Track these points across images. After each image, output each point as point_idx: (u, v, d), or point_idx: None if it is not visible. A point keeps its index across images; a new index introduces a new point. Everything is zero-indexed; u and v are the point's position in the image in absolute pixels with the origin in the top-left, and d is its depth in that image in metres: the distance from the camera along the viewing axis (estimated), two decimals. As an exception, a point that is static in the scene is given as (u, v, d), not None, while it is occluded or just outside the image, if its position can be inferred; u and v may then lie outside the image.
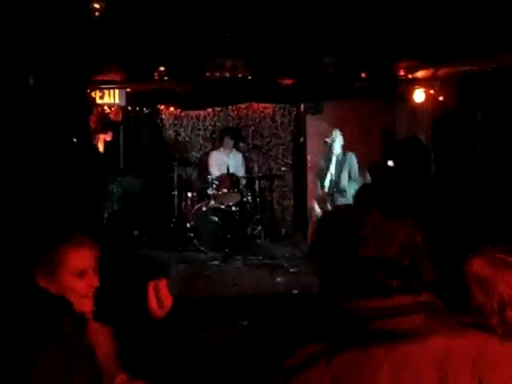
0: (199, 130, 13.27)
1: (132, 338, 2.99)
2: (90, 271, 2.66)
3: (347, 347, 1.66)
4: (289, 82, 9.82)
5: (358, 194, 7.04)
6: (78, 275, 2.62)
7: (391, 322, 1.69)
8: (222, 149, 12.26)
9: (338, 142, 9.53)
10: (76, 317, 2.54)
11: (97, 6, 6.66)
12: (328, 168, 9.66)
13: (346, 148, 9.76)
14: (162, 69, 9.42)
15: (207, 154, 12.66)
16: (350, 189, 9.48)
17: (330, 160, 9.62)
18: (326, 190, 9.68)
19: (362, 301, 1.73)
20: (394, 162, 9.80)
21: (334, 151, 9.53)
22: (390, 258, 1.73)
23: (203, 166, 12.56)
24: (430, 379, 1.61)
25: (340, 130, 9.79)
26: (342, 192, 9.45)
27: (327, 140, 9.62)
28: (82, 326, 2.54)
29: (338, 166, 9.53)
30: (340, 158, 9.53)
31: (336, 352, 1.65)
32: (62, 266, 2.58)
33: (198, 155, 13.18)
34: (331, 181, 9.66)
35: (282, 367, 1.71)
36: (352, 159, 9.69)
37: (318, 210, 9.74)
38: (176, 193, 12.06)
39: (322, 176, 9.80)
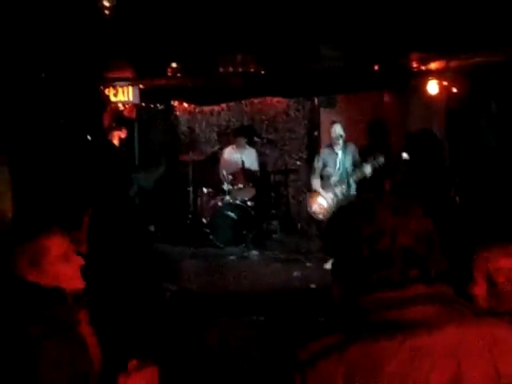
0: (213, 125, 13.27)
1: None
2: (71, 253, 2.82)
3: (360, 338, 1.66)
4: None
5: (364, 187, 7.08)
6: (64, 259, 2.76)
7: (404, 312, 1.69)
8: (235, 145, 12.25)
9: (338, 134, 9.52)
10: (71, 303, 2.69)
11: (107, 4, 6.68)
12: (330, 161, 9.65)
13: (353, 138, 9.76)
14: (174, 65, 9.43)
15: (221, 150, 12.64)
16: (351, 180, 9.49)
17: (335, 155, 9.61)
18: (333, 181, 9.66)
19: (375, 292, 1.73)
20: (409, 155, 9.82)
21: (337, 142, 9.52)
22: (407, 247, 1.74)
23: (218, 162, 12.56)
24: (445, 369, 1.61)
25: (353, 123, 9.78)
26: (346, 182, 9.45)
27: (333, 133, 9.60)
28: (77, 309, 2.70)
29: (342, 159, 9.52)
30: (343, 150, 9.52)
31: (349, 343, 1.66)
32: (46, 254, 2.70)
33: (213, 150, 13.17)
34: (332, 173, 9.65)
35: (297, 360, 1.72)
36: (353, 150, 9.68)
37: (322, 202, 9.72)
38: (191, 189, 12.07)
39: (323, 168, 9.79)
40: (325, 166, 9.77)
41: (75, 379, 2.51)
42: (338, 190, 9.56)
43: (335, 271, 1.86)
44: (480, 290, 2.75)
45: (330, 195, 9.66)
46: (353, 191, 9.49)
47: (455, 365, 1.61)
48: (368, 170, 9.35)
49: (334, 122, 9.75)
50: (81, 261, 2.83)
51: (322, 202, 9.71)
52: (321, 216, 9.82)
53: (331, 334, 1.73)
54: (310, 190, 10.14)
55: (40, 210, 6.88)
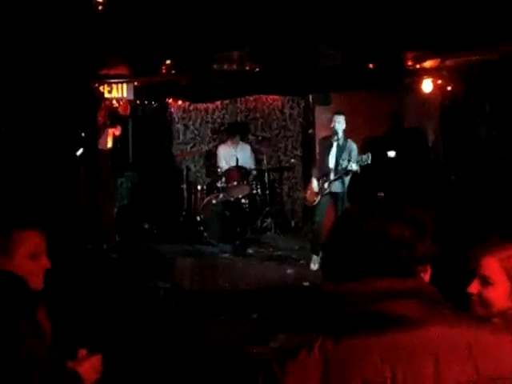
0: (208, 123, 13.27)
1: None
2: (41, 254, 2.88)
3: (341, 331, 1.66)
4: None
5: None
6: (33, 257, 2.82)
7: (387, 306, 1.68)
8: (229, 141, 12.25)
9: (340, 127, 9.50)
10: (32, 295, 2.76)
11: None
12: (329, 153, 9.63)
13: (349, 136, 9.73)
14: (169, 62, 9.42)
15: (215, 147, 12.65)
16: (347, 176, 9.49)
17: (331, 145, 9.59)
18: (321, 172, 9.66)
19: (359, 283, 1.73)
20: (396, 153, 9.83)
21: (337, 136, 9.50)
22: (398, 240, 1.73)
23: (212, 159, 12.56)
24: (425, 367, 1.61)
25: (347, 121, 9.75)
26: (340, 177, 9.45)
27: (333, 123, 9.60)
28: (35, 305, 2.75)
29: (338, 151, 9.50)
30: (341, 144, 9.50)
31: (330, 336, 1.66)
32: (16, 248, 2.78)
33: (207, 148, 13.18)
34: (328, 164, 9.64)
35: (278, 352, 1.73)
36: (353, 146, 9.67)
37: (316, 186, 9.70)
38: (185, 186, 12.09)
39: (321, 159, 9.78)
40: (322, 155, 9.77)
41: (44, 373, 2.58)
42: (327, 183, 9.56)
43: (326, 267, 1.86)
44: (498, 291, 2.71)
45: (318, 182, 9.66)
46: (343, 186, 9.47)
47: (433, 364, 1.61)
48: (354, 167, 9.31)
49: (337, 113, 9.71)
50: (48, 264, 2.88)
51: (313, 189, 9.70)
52: (308, 203, 9.93)
53: (315, 327, 1.74)
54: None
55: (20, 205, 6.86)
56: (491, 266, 2.69)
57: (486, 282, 2.69)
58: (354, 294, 1.73)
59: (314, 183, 9.62)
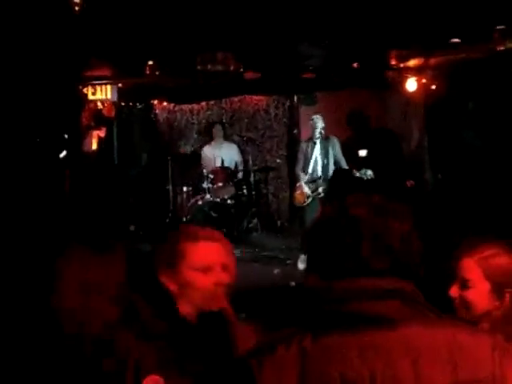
0: (193, 123, 13.25)
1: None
2: (216, 267, 2.62)
3: (320, 329, 1.67)
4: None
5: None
6: (201, 271, 2.56)
7: (369, 305, 1.68)
8: (213, 142, 12.24)
9: (319, 126, 9.54)
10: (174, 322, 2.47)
11: (76, 0, 6.62)
12: (312, 153, 9.67)
13: (328, 133, 9.79)
14: (153, 63, 9.40)
15: (201, 148, 12.64)
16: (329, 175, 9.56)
17: (314, 145, 9.64)
18: (309, 175, 9.69)
19: (343, 281, 1.73)
20: (368, 152, 9.88)
21: (316, 135, 9.56)
22: (381, 240, 1.73)
23: (197, 160, 12.54)
24: (404, 367, 1.61)
25: (333, 121, 9.80)
26: (326, 177, 9.50)
27: (312, 125, 9.65)
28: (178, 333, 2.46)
29: (322, 151, 9.55)
30: (323, 143, 9.54)
31: (309, 333, 1.66)
32: (183, 260, 2.52)
33: (192, 149, 13.17)
34: (315, 166, 9.67)
35: (256, 349, 1.72)
36: (335, 143, 9.71)
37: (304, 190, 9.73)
38: (171, 187, 12.06)
39: (306, 161, 9.82)
40: (305, 155, 9.80)
41: None
42: (311, 183, 9.59)
43: (313, 261, 1.86)
44: (477, 293, 2.69)
45: (308, 185, 9.69)
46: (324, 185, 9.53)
47: (412, 365, 1.61)
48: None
49: (314, 114, 9.78)
50: (225, 279, 2.69)
51: (304, 190, 9.73)
52: (298, 203, 9.94)
53: (294, 323, 1.74)
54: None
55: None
56: (469, 267, 2.68)
57: (465, 284, 2.68)
58: (335, 292, 1.73)
59: (305, 186, 9.67)
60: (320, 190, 9.49)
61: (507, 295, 2.62)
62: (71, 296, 2.67)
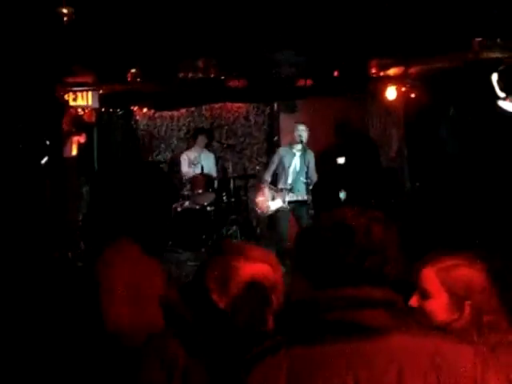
0: (173, 130, 13.20)
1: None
2: None
3: (306, 338, 1.69)
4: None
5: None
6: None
7: (354, 314, 1.71)
8: (193, 149, 12.20)
9: (304, 138, 9.56)
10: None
11: (65, 11, 6.62)
12: (290, 163, 9.70)
13: (313, 143, 9.82)
14: (134, 70, 9.40)
15: (179, 155, 12.59)
16: (303, 186, 9.59)
17: (293, 155, 9.68)
18: (284, 183, 9.71)
19: (330, 289, 1.75)
20: (345, 159, 9.92)
21: (298, 147, 9.60)
22: (366, 250, 1.76)
23: (176, 167, 12.50)
24: (388, 376, 1.63)
25: (313, 129, 9.82)
26: (299, 187, 9.55)
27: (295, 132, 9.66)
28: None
29: (301, 162, 9.58)
30: (303, 155, 9.56)
31: (294, 342, 1.69)
32: (233, 278, 2.41)
33: (172, 155, 13.12)
34: (292, 175, 9.70)
35: (244, 358, 1.73)
36: (311, 156, 9.75)
37: (271, 204, 9.74)
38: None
39: (282, 169, 9.83)
40: (281, 163, 9.81)
41: None
42: (286, 192, 9.61)
43: (301, 269, 1.87)
44: (436, 304, 2.63)
45: (278, 194, 9.69)
46: (301, 195, 9.56)
47: (397, 373, 1.63)
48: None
49: (299, 124, 9.78)
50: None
51: (267, 197, 9.73)
52: (259, 211, 9.98)
53: (281, 331, 1.78)
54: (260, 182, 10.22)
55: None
56: (429, 277, 2.64)
57: (424, 294, 2.64)
58: (322, 301, 1.75)
59: (268, 192, 9.69)
60: (290, 199, 9.52)
61: (467, 308, 2.57)
62: (118, 298, 2.62)
